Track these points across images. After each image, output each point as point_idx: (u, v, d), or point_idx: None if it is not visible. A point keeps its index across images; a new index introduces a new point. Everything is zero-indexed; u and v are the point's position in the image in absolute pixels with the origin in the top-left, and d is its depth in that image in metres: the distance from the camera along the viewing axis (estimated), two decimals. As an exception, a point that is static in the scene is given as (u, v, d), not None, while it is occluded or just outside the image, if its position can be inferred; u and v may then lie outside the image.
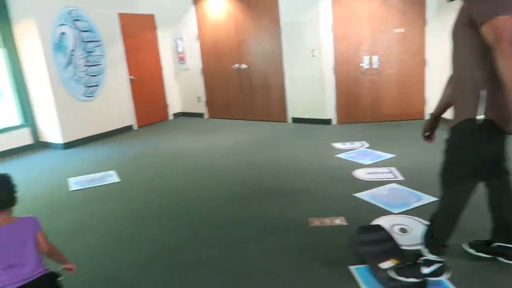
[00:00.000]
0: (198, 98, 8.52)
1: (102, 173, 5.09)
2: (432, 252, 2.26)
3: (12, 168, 5.59)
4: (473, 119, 1.99)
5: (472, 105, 2.00)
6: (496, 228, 2.43)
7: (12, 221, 1.88)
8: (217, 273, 2.68)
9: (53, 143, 6.69)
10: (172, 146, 6.31)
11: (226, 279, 2.61)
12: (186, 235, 3.27)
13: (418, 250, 2.37)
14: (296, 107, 7.25)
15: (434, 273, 2.25)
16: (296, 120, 7.29)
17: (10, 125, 6.53)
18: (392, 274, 2.31)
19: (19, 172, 5.42)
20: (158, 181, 4.66)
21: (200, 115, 8.61)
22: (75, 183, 4.77)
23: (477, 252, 2.48)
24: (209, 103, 8.42)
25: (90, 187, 4.61)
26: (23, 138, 6.64)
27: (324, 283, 2.47)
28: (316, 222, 3.30)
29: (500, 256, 2.41)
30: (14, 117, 6.62)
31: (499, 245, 2.40)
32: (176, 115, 8.85)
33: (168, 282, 2.63)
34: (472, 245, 2.53)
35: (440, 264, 2.26)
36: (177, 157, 5.64)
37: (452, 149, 2.16)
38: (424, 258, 2.27)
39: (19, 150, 6.50)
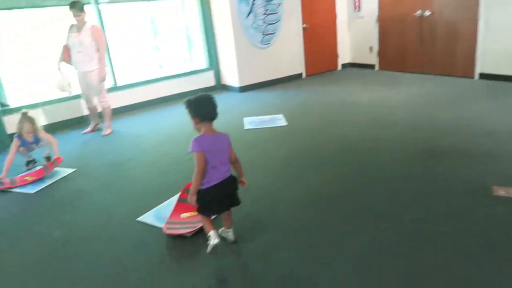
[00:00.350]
0: (370, 48, 8.07)
1: (272, 116, 5.41)
2: None
3: (199, 105, 6.44)
4: None
5: None
6: None
7: (217, 132, 2.38)
8: (378, 231, 2.61)
9: (231, 86, 7.40)
10: (339, 96, 6.22)
11: (389, 236, 2.52)
12: (347, 185, 3.25)
13: None
14: (488, 60, 6.17)
15: None
16: (485, 77, 6.24)
17: (199, 68, 7.45)
18: None
19: (204, 109, 6.20)
20: (323, 129, 4.70)
21: (370, 66, 8.19)
22: (248, 123, 5.22)
23: None
24: (382, 53, 7.89)
25: (261, 128, 4.97)
26: (208, 80, 7.52)
27: None
28: (501, 191, 2.85)
29: None
30: (202, 62, 7.52)
31: None
32: (345, 65, 8.63)
33: (324, 227, 2.69)
34: None
35: None
36: (343, 107, 5.55)
37: None
38: None
39: (204, 91, 7.37)
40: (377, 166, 3.52)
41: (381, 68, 7.98)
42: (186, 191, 3.02)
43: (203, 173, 2.29)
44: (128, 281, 2.28)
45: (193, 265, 2.38)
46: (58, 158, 4.12)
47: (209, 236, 2.31)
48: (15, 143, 4.05)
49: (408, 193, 2.99)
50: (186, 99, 2.34)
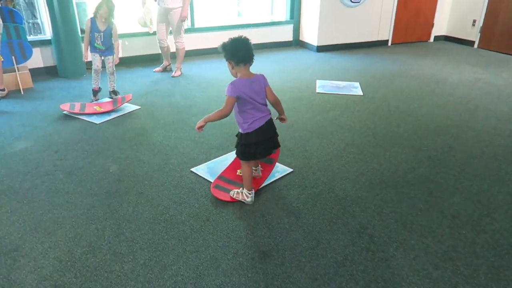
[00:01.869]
0: (473, 22, 7.08)
1: (347, 83, 4.99)
2: None
3: (271, 60, 6.14)
4: None
5: None
6: None
7: (253, 75, 2.35)
8: (453, 237, 2.26)
9: (309, 44, 6.95)
10: (427, 72, 5.56)
11: (467, 248, 2.17)
12: (420, 173, 2.86)
13: None
14: None
15: None
16: None
17: (278, 20, 7.05)
18: None
19: (277, 64, 5.91)
20: (403, 106, 4.22)
21: (469, 42, 7.24)
22: (321, 86, 4.86)
23: None
24: (486, 29, 6.89)
25: (334, 93, 4.60)
26: (286, 34, 7.11)
27: None
28: None
29: None
30: (282, 14, 7.09)
31: None
32: (438, 38, 7.71)
33: (388, 218, 2.38)
34: None
35: None
36: (429, 85, 4.95)
37: None
38: None
39: (278, 45, 7.04)
40: (460, 159, 3.07)
41: (481, 46, 7.01)
42: None
43: (225, 116, 2.33)
44: (170, 234, 2.20)
45: (237, 231, 2.23)
46: (128, 96, 4.16)
47: (250, 193, 2.46)
48: (87, 23, 4.09)
49: (497, 199, 2.56)
50: (221, 42, 2.30)
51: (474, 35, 7.12)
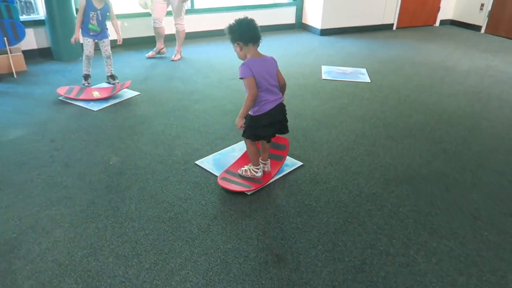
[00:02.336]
0: (481, 6, 6.87)
1: (354, 69, 4.81)
2: None
3: (273, 43, 5.93)
4: None
5: None
6: None
7: (263, 56, 2.27)
8: (476, 239, 2.14)
9: (312, 27, 6.72)
10: (435, 58, 5.39)
11: (492, 255, 2.06)
12: (436, 168, 2.74)
13: None
14: None
15: None
16: None
17: (280, 2, 6.79)
18: None
19: (280, 48, 5.69)
20: (413, 95, 4.06)
21: (476, 27, 7.04)
22: (326, 72, 4.68)
23: None
24: (495, 14, 6.69)
25: (341, 80, 4.43)
26: (288, 16, 6.87)
27: None
28: None
29: None
30: (285, -6, 6.84)
31: None
32: (445, 22, 7.50)
33: (402, 216, 2.26)
34: None
35: None
36: (439, 72, 4.78)
37: None
38: None
39: (280, 28, 6.80)
40: (476, 152, 2.94)
41: (489, 31, 6.82)
42: None
43: (256, 97, 2.21)
44: (176, 234, 2.06)
45: (247, 231, 2.10)
46: (127, 82, 3.97)
47: (258, 168, 2.47)
48: (81, 1, 3.72)
49: (516, 196, 2.44)
50: (227, 25, 2.22)
51: (481, 19, 6.92)
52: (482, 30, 6.91)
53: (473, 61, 5.22)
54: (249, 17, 2.24)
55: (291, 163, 2.73)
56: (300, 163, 2.74)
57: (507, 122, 3.43)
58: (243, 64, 2.19)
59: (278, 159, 2.69)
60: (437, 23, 7.47)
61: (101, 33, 3.92)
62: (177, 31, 5.02)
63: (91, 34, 3.87)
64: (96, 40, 3.94)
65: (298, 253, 1.95)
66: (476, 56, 5.46)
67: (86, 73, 4.05)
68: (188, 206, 2.28)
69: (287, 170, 2.65)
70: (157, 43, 5.13)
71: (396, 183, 2.54)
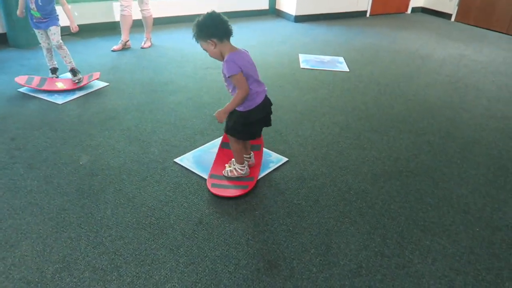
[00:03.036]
0: (452, -6, 6.95)
1: (331, 57, 4.72)
2: None
3: (246, 31, 5.73)
4: None
5: None
6: None
7: (239, 48, 2.08)
8: (470, 237, 2.11)
9: (286, 13, 6.56)
10: (410, 46, 5.38)
11: (484, 254, 2.02)
12: (423, 161, 2.69)
13: None
14: None
15: None
16: None
17: (253, -14, 6.57)
18: None
19: (254, 35, 5.51)
20: (392, 84, 4.02)
21: (446, 15, 7.12)
22: (304, 61, 4.55)
23: None
24: (464, 2, 6.77)
25: (319, 69, 4.32)
26: (261, 2, 6.67)
27: None
28: None
29: None
30: (258, -21, 6.61)
31: None
32: (416, 9, 7.55)
33: (395, 215, 2.20)
34: None
35: None
36: (415, 61, 4.77)
37: None
38: None
39: (252, 14, 6.60)
40: (460, 144, 2.93)
41: (459, 19, 6.92)
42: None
43: (247, 95, 2.05)
44: (159, 242, 1.90)
45: (236, 235, 1.97)
46: (95, 74, 3.66)
47: (243, 166, 2.34)
48: None
49: (505, 190, 2.43)
50: (194, 22, 2.00)
51: (451, 8, 7.00)
52: (453, 18, 7.00)
53: (447, 50, 5.26)
54: (214, 10, 2.04)
55: (276, 159, 2.60)
56: (285, 159, 2.62)
57: (486, 113, 3.45)
58: (227, 61, 1.99)
59: (257, 149, 2.56)
60: (409, 11, 7.50)
61: (47, 20, 3.35)
62: (144, 17, 4.71)
63: (35, 21, 3.35)
64: (43, 29, 3.40)
65: (291, 258, 1.84)
66: (449, 45, 5.50)
67: (52, 66, 3.65)
68: (170, 210, 2.11)
69: (272, 166, 2.53)
70: (122, 35, 4.65)
71: (385, 179, 2.47)
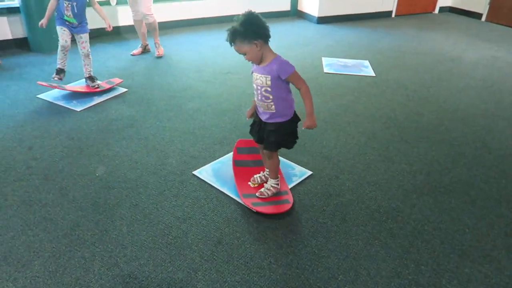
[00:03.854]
0: (483, -7, 6.63)
1: (356, 61, 4.53)
2: None
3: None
4: None
5: None
6: None
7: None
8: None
9: (308, 15, 6.39)
10: (438, 48, 5.14)
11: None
12: (459, 175, 2.50)
13: None
14: None
15: None
16: None
17: (274, -13, 6.43)
18: None
19: (275, 38, 5.35)
20: (421, 90, 3.81)
21: (476, 15, 6.80)
22: (328, 65, 4.39)
23: None
24: (496, 1, 6.45)
25: (344, 74, 4.15)
26: (283, 3, 6.52)
27: None
28: None
29: None
30: (280, -21, 6.47)
31: None
32: (444, 9, 7.25)
33: (432, 237, 2.03)
34: None
35: None
36: (445, 64, 4.54)
37: None
38: None
39: (274, 15, 6.45)
40: (498, 157, 2.72)
41: (490, 19, 6.59)
42: (238, 151, 2.43)
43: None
44: (176, 265, 1.79)
45: (257, 258, 1.84)
46: (116, 79, 3.60)
47: (278, 180, 2.21)
48: None
49: (547, 208, 2.22)
50: (238, 22, 1.80)
51: (482, 7, 6.68)
52: (483, 18, 6.68)
53: (478, 51, 4.99)
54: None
55: (299, 173, 2.46)
56: (309, 172, 2.47)
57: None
58: (281, 62, 1.87)
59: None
60: (436, 10, 7.21)
61: (79, 26, 3.33)
62: (148, 24, 4.35)
63: (67, 24, 3.30)
64: (73, 33, 3.36)
65: (318, 286, 1.70)
66: (480, 46, 5.22)
67: (60, 67, 3.44)
68: (187, 228, 2.00)
69: (296, 180, 2.39)
70: (141, 39, 4.57)
71: (417, 195, 2.30)
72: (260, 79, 1.90)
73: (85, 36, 3.39)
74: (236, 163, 2.41)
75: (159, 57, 4.48)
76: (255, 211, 2.08)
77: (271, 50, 1.92)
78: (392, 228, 2.04)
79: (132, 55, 4.51)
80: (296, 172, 2.47)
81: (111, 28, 3.55)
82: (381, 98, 3.60)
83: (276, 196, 2.21)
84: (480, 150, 2.79)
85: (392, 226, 2.06)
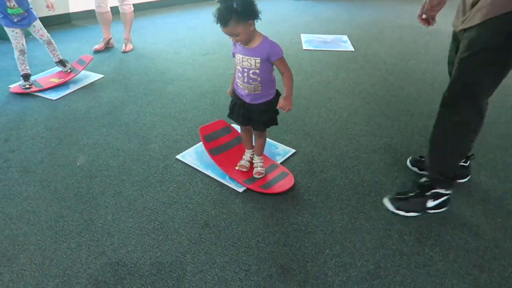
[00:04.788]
0: (457, -37, 6.62)
1: (335, 36, 4.52)
2: (444, 186, 1.95)
3: (247, 10, 5.50)
4: None
5: None
6: None
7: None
8: (492, 217, 1.99)
9: (285, -9, 6.30)
10: (414, 19, 5.08)
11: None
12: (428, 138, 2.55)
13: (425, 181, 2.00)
14: None
15: (439, 206, 1.98)
16: None
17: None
18: (389, 206, 2.00)
19: (253, 15, 5.29)
20: (401, 64, 3.84)
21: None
22: (307, 41, 4.36)
23: (420, 170, 2.23)
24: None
25: (323, 50, 4.14)
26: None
27: None
28: None
29: None
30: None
31: None
32: (420, -20, 7.24)
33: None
34: (416, 162, 2.28)
35: (447, 196, 1.98)
36: (423, 37, 4.57)
37: (487, 52, 1.57)
38: (434, 191, 1.95)
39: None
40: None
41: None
42: (207, 139, 2.38)
43: None
44: (164, 249, 1.79)
45: (244, 238, 1.86)
46: (86, 56, 3.48)
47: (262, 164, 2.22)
48: None
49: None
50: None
51: (457, -23, 6.68)
52: (458, -12, 6.70)
53: (455, 22, 5.03)
54: None
55: (283, 151, 2.47)
56: (292, 150, 2.49)
57: (501, 90, 3.27)
58: (271, 42, 1.81)
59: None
60: (413, -18, 7.19)
61: (28, 15, 3.00)
62: (123, 14, 3.98)
63: (16, 21, 2.97)
64: (26, 28, 3.06)
65: (305, 261, 1.74)
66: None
67: (25, 72, 3.18)
68: (173, 212, 2.00)
69: (279, 159, 2.40)
70: (103, 32, 4.13)
71: (398, 168, 2.35)
72: (248, 61, 1.82)
73: (38, 23, 3.10)
74: (212, 153, 2.34)
75: (125, 52, 4.04)
76: (270, 193, 2.10)
77: (257, 30, 1.83)
78: (376, 201, 2.09)
79: (94, 50, 4.06)
80: (279, 151, 2.48)
81: (53, 7, 3.20)
82: (361, 72, 3.61)
83: (272, 172, 2.24)
84: (458, 120, 2.85)
85: (376, 199, 2.10)
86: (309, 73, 3.60)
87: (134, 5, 4.01)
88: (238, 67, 1.89)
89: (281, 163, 2.37)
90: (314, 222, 1.95)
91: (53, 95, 3.16)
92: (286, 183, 2.15)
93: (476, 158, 2.43)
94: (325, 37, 4.48)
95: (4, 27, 3.00)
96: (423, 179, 2.06)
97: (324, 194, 2.13)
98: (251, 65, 1.83)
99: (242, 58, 1.84)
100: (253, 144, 2.25)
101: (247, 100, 1.98)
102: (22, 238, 1.85)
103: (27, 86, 3.18)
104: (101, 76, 3.51)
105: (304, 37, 4.49)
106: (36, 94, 3.19)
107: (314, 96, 3.17)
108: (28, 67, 3.22)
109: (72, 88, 3.29)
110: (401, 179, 2.25)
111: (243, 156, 2.31)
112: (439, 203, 1.98)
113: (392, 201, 2.02)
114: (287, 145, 2.54)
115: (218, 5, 1.66)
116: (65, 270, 1.69)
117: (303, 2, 6.00)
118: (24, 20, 3.02)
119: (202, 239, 1.85)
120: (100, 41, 4.14)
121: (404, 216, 1.99)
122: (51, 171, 2.30)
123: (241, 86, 1.94)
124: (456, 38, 1.86)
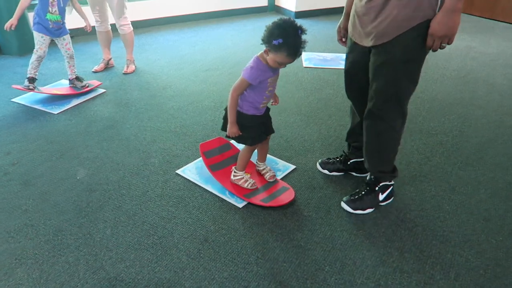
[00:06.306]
0: (455, -15, 6.76)
1: (334, 55, 4.58)
2: (387, 179, 2.12)
3: (245, 29, 5.58)
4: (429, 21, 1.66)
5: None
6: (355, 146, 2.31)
7: None
8: (492, 236, 1.98)
9: (286, 10, 6.41)
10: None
11: (506, 250, 1.90)
12: (436, 159, 2.56)
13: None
14: None
15: (388, 197, 2.16)
16: None
17: (251, -17, 6.42)
18: (347, 208, 2.10)
19: (253, 34, 5.37)
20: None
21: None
22: (307, 59, 4.42)
23: (331, 172, 2.41)
24: (468, -7, 6.61)
25: (323, 68, 4.18)
26: (260, -1, 6.52)
27: None
28: None
29: (354, 171, 2.39)
30: (256, -25, 6.45)
31: (355, 161, 2.35)
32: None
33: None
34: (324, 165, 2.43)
35: (392, 187, 2.16)
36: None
37: (411, 59, 1.77)
38: (382, 184, 2.11)
39: (251, 11, 6.45)
40: (475, 144, 2.79)
41: (463, 11, 6.73)
42: (207, 155, 2.39)
43: None
44: (163, 264, 1.78)
45: (244, 254, 1.85)
46: (94, 82, 3.55)
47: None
48: None
49: (523, 192, 2.30)
50: (275, 28, 1.81)
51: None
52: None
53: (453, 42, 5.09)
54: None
55: (283, 167, 2.48)
56: (293, 166, 2.49)
57: (500, 109, 3.31)
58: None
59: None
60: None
61: (61, 27, 3.18)
62: (123, 35, 3.85)
63: (51, 27, 3.10)
64: (54, 38, 3.21)
65: (305, 278, 1.72)
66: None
67: (32, 76, 3.25)
68: (173, 227, 2.00)
69: (280, 175, 2.40)
70: (103, 53, 4.05)
71: (398, 185, 2.34)
72: (276, 80, 2.00)
73: (68, 38, 3.29)
74: (212, 168, 2.35)
75: (127, 73, 3.92)
76: (272, 206, 2.11)
77: None
78: (376, 218, 2.08)
79: (94, 71, 3.94)
80: (279, 166, 2.48)
81: (90, 28, 3.46)
82: (361, 90, 3.64)
83: (272, 187, 2.25)
84: (457, 138, 2.86)
85: (376, 216, 2.10)
86: (309, 90, 3.64)
87: (136, 22, 4.05)
88: (269, 89, 1.97)
89: (281, 178, 2.37)
90: (314, 239, 1.94)
91: (55, 110, 3.18)
92: (286, 197, 2.15)
93: (476, 176, 2.44)
94: (325, 55, 4.54)
95: (34, 31, 3.13)
96: (368, 177, 2.16)
97: (324, 211, 2.13)
98: (275, 81, 2.01)
99: (274, 78, 1.98)
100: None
101: (264, 112, 2.07)
102: (20, 252, 1.84)
103: (30, 87, 3.27)
104: (103, 91, 3.54)
105: (304, 55, 4.55)
106: (39, 108, 3.21)
107: (314, 113, 3.20)
108: (37, 73, 3.31)
109: (74, 102, 3.32)
110: (400, 196, 2.25)
111: (245, 177, 2.25)
112: (388, 194, 2.14)
113: (349, 203, 2.10)
114: (287, 161, 2.54)
115: (296, 38, 1.83)
116: (62, 285, 1.67)
117: (304, 21, 6.09)
118: (57, 30, 3.17)
119: (201, 255, 1.83)
120: (100, 61, 4.06)
121: (404, 233, 1.98)
122: (51, 185, 2.30)
123: (264, 105, 2.03)
124: (354, 49, 1.97)
